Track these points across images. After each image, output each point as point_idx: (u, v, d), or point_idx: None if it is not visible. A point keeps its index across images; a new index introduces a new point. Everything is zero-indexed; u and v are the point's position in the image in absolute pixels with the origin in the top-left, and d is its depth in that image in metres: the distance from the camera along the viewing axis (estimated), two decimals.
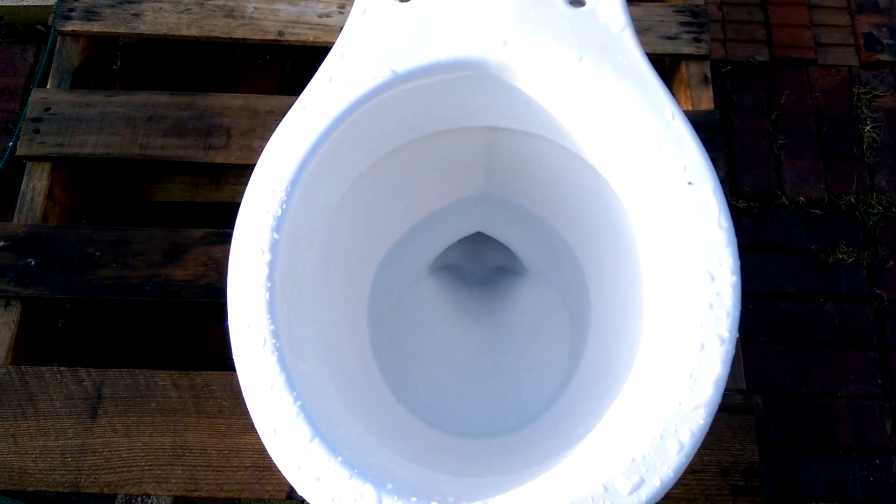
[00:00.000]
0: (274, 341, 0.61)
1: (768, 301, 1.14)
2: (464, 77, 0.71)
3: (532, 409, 0.75)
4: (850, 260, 1.17)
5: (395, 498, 0.55)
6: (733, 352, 0.59)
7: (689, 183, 0.64)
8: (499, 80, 0.71)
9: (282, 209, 0.65)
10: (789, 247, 1.19)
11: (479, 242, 0.88)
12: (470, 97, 0.73)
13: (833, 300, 1.15)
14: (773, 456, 1.07)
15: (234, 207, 1.23)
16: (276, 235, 0.65)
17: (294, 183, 0.66)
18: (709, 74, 1.17)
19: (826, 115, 1.27)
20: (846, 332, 1.13)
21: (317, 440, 0.58)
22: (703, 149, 0.65)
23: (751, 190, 1.22)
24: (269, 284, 0.63)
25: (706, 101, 1.15)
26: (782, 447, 1.07)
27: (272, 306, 0.62)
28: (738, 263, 0.62)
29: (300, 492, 0.57)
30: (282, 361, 0.60)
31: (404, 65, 0.71)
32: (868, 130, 1.25)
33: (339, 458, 0.57)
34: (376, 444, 0.63)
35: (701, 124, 1.11)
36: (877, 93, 1.28)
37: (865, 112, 1.27)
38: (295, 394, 0.59)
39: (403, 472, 0.61)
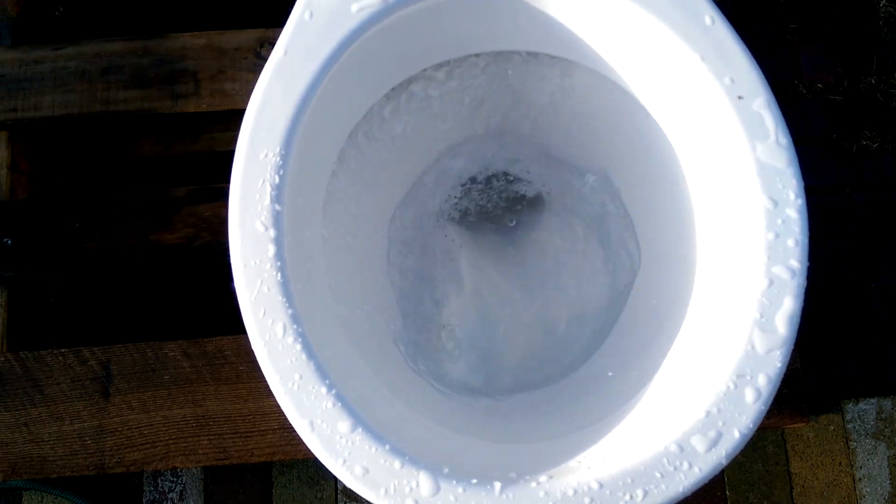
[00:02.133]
0: (295, 326, 0.55)
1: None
2: None
3: (573, 356, 0.70)
4: (875, 146, 1.11)
5: (454, 482, 0.51)
6: (805, 284, 0.53)
7: (739, 97, 0.56)
8: None
9: (279, 176, 0.58)
10: (810, 138, 1.12)
11: (500, 183, 0.80)
12: (475, 20, 0.64)
13: (859, 190, 1.10)
14: (810, 356, 1.04)
15: (213, 158, 1.16)
16: (277, 207, 0.57)
17: (288, 144, 0.58)
18: None
19: None
20: (875, 221, 1.09)
21: (359, 429, 0.53)
22: (751, 56, 0.57)
23: (768, 81, 1.14)
24: (279, 263, 0.56)
25: None
26: (819, 346, 1.05)
27: (286, 288, 0.56)
28: (802, 184, 0.55)
29: (349, 486, 0.53)
30: (307, 348, 0.55)
31: None
32: (884, 4, 1.15)
33: (387, 447, 0.52)
34: (422, 420, 0.59)
35: None
36: None
37: None
38: (328, 382, 0.54)
39: (456, 449, 0.56)
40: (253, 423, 0.97)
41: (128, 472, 0.97)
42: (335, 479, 1.02)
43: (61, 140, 1.19)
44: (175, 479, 1.05)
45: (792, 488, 1.01)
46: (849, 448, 1.02)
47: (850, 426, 1.03)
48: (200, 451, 0.96)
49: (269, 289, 0.56)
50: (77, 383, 1.00)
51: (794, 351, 0.95)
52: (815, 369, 1.04)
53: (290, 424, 0.96)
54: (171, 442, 0.97)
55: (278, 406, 0.95)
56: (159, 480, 1.05)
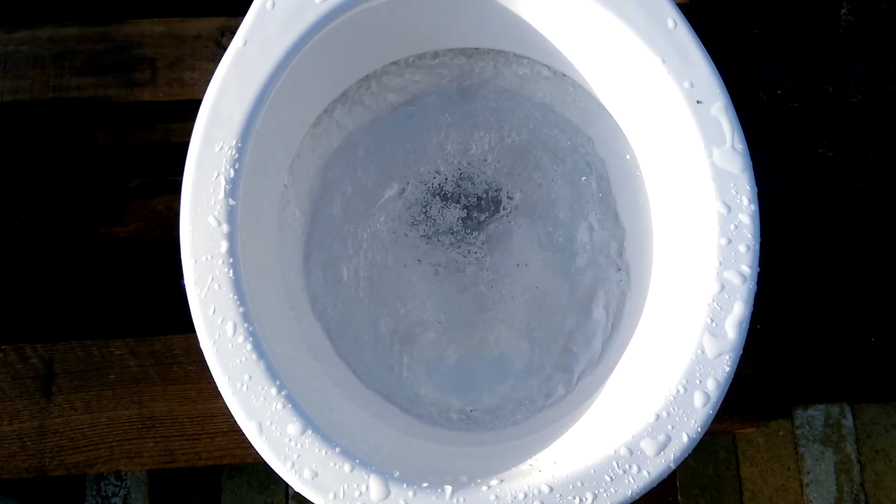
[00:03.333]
0: (246, 325, 0.53)
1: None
2: None
3: (530, 366, 0.70)
4: (831, 154, 1.14)
5: (405, 486, 0.50)
6: (755, 289, 0.54)
7: (698, 101, 0.57)
8: None
9: (234, 169, 0.56)
10: (768, 144, 1.14)
11: (460, 190, 0.80)
12: (439, 16, 0.63)
13: (813, 197, 1.12)
14: (761, 362, 1.06)
15: (169, 149, 1.13)
16: (231, 201, 0.55)
17: (244, 137, 0.56)
18: None
19: (801, 0, 1.19)
20: (828, 229, 1.11)
21: (309, 431, 0.52)
22: (711, 60, 0.58)
23: (728, 86, 1.16)
24: (231, 260, 0.54)
25: None
26: (770, 352, 1.07)
27: (238, 285, 0.54)
28: (756, 189, 0.56)
29: (297, 490, 0.52)
30: (258, 347, 0.53)
31: None
32: (844, 13, 1.18)
33: (338, 449, 0.51)
34: (374, 422, 0.57)
35: None
36: None
37: None
38: (278, 382, 0.52)
39: (408, 452, 0.55)
40: (201, 426, 0.94)
41: (69, 474, 0.94)
42: (286, 483, 1.00)
43: (9, 127, 1.15)
44: (119, 483, 1.01)
45: (742, 493, 1.02)
46: (797, 453, 1.04)
47: (798, 432, 1.05)
48: (146, 454, 0.93)
49: (220, 286, 0.54)
50: (17, 382, 0.96)
51: (745, 357, 0.97)
52: (765, 375, 1.06)
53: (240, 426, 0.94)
54: (115, 444, 0.93)
55: (228, 408, 0.94)
56: (102, 484, 1.01)
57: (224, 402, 0.93)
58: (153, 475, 1.01)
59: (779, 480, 1.03)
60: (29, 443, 0.94)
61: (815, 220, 1.12)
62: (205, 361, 0.55)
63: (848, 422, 1.05)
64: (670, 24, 0.58)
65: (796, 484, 1.03)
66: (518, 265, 0.75)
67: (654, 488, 0.49)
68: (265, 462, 0.53)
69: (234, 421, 0.93)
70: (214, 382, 0.57)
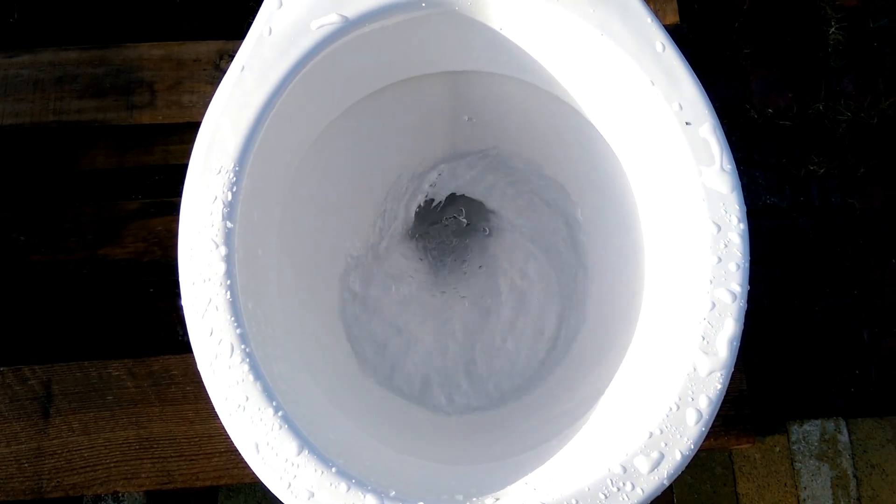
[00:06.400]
0: (243, 346, 0.54)
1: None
2: (424, 16, 0.62)
3: (523, 379, 0.71)
4: (822, 171, 1.15)
5: None
6: (745, 307, 0.55)
7: (687, 123, 0.58)
8: (464, 16, 0.62)
9: (232, 193, 0.57)
10: (760, 162, 1.16)
11: (452, 204, 0.81)
12: (432, 39, 0.64)
13: (805, 214, 1.14)
14: (756, 378, 1.07)
15: (167, 171, 1.13)
16: (229, 224, 0.56)
17: (242, 161, 0.57)
18: None
19: (790, 19, 1.21)
20: (820, 245, 1.12)
21: (306, 451, 0.52)
22: (699, 82, 0.59)
23: (719, 105, 1.17)
24: (229, 282, 0.55)
25: (671, 14, 1.08)
26: (765, 368, 1.07)
27: (235, 307, 0.55)
28: (745, 209, 0.57)
29: None
30: (255, 369, 0.54)
31: (354, 7, 0.61)
32: (833, 32, 1.20)
33: (334, 469, 0.51)
34: (370, 441, 0.58)
35: None
36: None
37: (829, 12, 1.21)
38: (275, 403, 0.53)
39: (405, 471, 0.56)
40: (199, 446, 0.94)
41: (66, 496, 0.94)
42: None
43: (10, 149, 1.16)
44: None
45: None
46: (794, 469, 1.04)
47: (794, 447, 1.05)
48: (143, 475, 0.93)
49: (217, 307, 0.55)
50: (16, 403, 0.96)
51: (740, 373, 0.98)
52: (761, 391, 1.06)
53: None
54: (112, 465, 0.93)
55: (226, 428, 0.94)
56: None
57: (221, 423, 0.94)
58: (151, 496, 1.01)
59: (776, 496, 1.03)
60: (26, 464, 0.94)
61: (808, 235, 1.13)
62: (202, 382, 0.55)
63: (843, 437, 1.05)
64: (658, 47, 0.59)
65: (793, 499, 1.03)
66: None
67: None
68: (262, 482, 0.53)
69: (232, 441, 0.94)
70: (212, 402, 0.58)
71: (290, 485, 0.51)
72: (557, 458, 0.55)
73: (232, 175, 0.57)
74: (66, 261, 1.01)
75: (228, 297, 0.55)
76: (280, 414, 0.53)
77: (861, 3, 1.22)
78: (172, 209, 1.04)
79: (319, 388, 0.59)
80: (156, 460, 0.93)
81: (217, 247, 0.55)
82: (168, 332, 1.05)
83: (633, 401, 0.56)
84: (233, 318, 0.54)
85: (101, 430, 0.94)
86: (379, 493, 0.51)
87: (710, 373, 0.53)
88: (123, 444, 0.94)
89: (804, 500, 1.03)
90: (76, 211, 1.04)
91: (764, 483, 1.04)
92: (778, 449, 1.05)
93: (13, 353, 1.07)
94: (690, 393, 0.53)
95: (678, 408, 0.53)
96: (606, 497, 0.50)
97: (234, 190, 0.57)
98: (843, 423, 1.06)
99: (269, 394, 0.53)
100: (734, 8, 1.22)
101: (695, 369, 0.53)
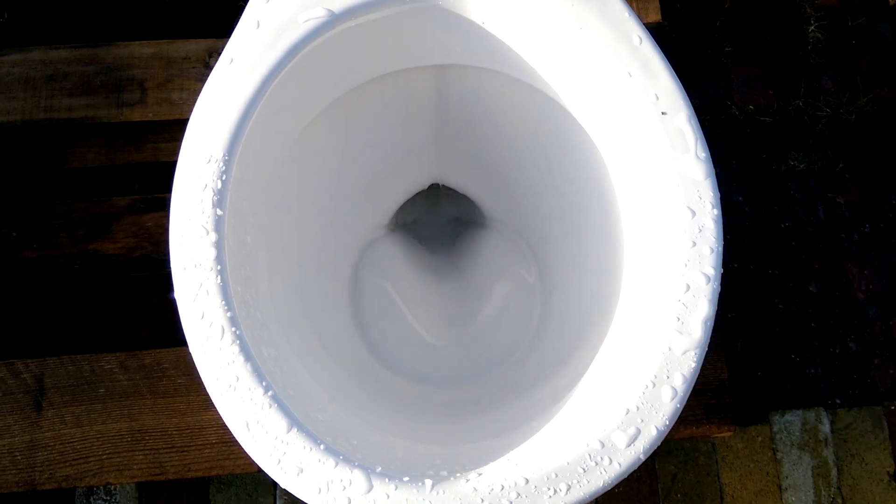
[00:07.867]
0: (233, 329, 0.55)
1: (723, 216, 1.13)
2: (409, 11, 0.64)
3: (508, 357, 0.72)
4: (802, 167, 1.17)
5: (387, 480, 0.52)
6: (719, 289, 0.57)
7: (663, 113, 0.60)
8: (448, 11, 0.64)
9: (222, 181, 0.58)
10: (741, 158, 1.18)
11: (437, 195, 0.83)
12: (417, 33, 0.66)
13: (786, 208, 1.16)
14: (738, 368, 1.09)
15: (157, 168, 1.15)
16: (219, 211, 0.58)
17: (231, 150, 0.59)
18: None
19: (770, 17, 1.24)
20: (800, 240, 1.15)
21: (295, 429, 0.53)
22: (674, 74, 0.61)
23: (700, 102, 1.20)
24: (219, 267, 0.57)
25: (654, 13, 1.10)
26: (747, 358, 1.09)
27: (225, 290, 0.56)
28: (718, 195, 0.59)
29: (284, 486, 0.54)
30: (245, 350, 0.55)
31: (340, 2, 0.63)
32: (812, 30, 1.23)
33: (322, 446, 0.53)
34: (356, 421, 0.59)
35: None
36: None
37: (809, 11, 1.24)
38: (265, 383, 0.54)
39: (390, 449, 0.58)
40: (190, 438, 0.95)
41: (59, 488, 0.95)
42: (275, 495, 1.01)
43: (1, 147, 1.17)
44: (108, 497, 1.02)
45: (722, 498, 1.04)
46: (776, 458, 1.06)
47: (776, 437, 1.07)
48: (135, 467, 0.94)
49: (208, 291, 0.56)
50: (8, 396, 0.97)
51: (721, 361, 1.00)
52: (742, 381, 1.08)
53: (229, 438, 0.96)
54: (104, 457, 0.94)
55: (217, 420, 0.95)
56: (92, 498, 1.02)
57: (213, 415, 0.95)
58: (142, 488, 1.02)
59: (758, 485, 1.05)
60: (19, 457, 0.95)
61: (788, 229, 1.15)
62: (193, 374, 0.57)
63: (825, 427, 1.08)
64: (636, 40, 0.61)
65: (775, 488, 1.05)
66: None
67: (637, 495, 0.51)
68: (254, 463, 0.55)
69: (224, 433, 0.95)
70: (203, 395, 0.59)
71: (279, 461, 0.53)
72: (539, 437, 0.57)
73: (221, 164, 0.59)
74: (58, 256, 1.02)
75: (219, 281, 0.56)
76: (270, 394, 0.54)
77: (840, 3, 1.25)
78: (163, 205, 1.06)
79: (308, 371, 0.61)
80: (147, 452, 0.95)
81: (207, 233, 0.57)
82: (159, 326, 1.06)
83: (612, 380, 0.58)
84: (223, 302, 0.56)
85: (93, 423, 0.95)
86: (366, 468, 0.52)
87: (685, 352, 0.55)
88: (115, 436, 0.95)
89: (786, 488, 1.05)
90: (67, 207, 1.05)
91: (746, 472, 1.06)
92: (760, 439, 1.07)
93: (6, 347, 1.08)
94: (666, 371, 0.55)
95: (654, 385, 0.54)
96: (585, 471, 0.51)
97: (224, 178, 0.59)
98: (823, 413, 1.08)
99: (259, 374, 0.54)
100: (715, 7, 1.25)
101: (670, 349, 0.55)
